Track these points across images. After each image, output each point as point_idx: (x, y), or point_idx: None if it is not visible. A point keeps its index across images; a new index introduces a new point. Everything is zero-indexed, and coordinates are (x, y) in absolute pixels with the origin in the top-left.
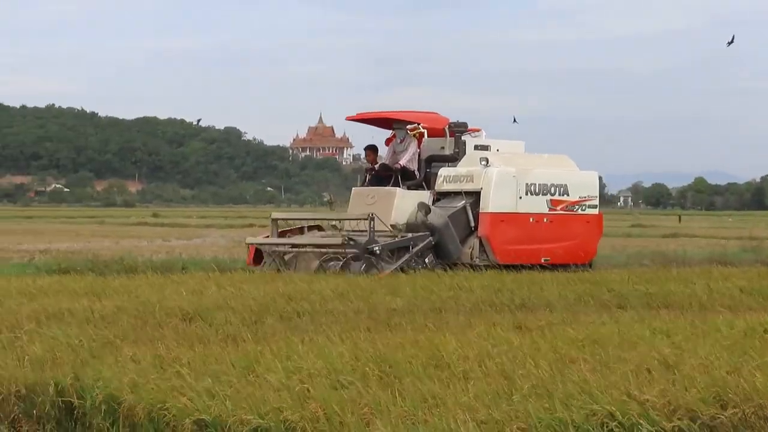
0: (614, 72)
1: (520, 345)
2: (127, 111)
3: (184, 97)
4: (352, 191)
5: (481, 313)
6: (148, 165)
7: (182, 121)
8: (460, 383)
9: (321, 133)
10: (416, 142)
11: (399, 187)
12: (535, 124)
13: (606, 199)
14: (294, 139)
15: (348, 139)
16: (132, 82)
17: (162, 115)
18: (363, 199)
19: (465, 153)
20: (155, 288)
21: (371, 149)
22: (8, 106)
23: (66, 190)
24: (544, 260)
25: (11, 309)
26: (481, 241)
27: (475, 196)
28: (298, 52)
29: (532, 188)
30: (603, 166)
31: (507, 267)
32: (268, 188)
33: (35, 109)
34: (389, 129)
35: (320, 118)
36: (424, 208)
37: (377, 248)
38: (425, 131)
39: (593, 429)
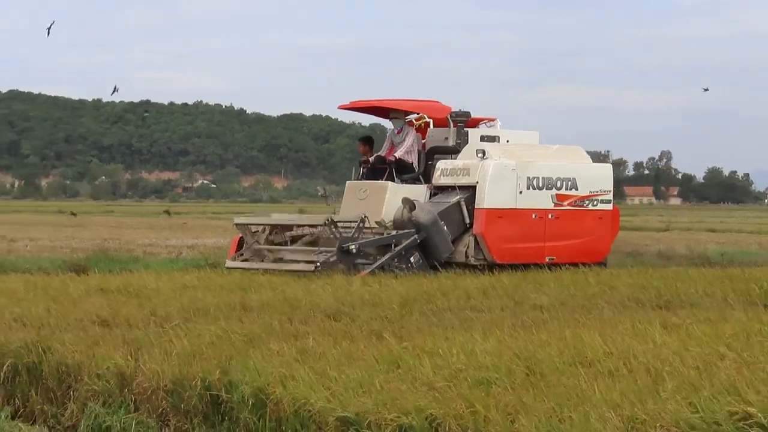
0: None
1: (665, 343)
2: (274, 107)
3: (330, 94)
4: (346, 185)
5: (626, 310)
6: (293, 161)
7: (327, 118)
8: (605, 381)
9: None
10: (414, 132)
11: (393, 180)
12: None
13: (754, 196)
14: None
15: None
16: (279, 78)
17: (307, 112)
18: (355, 193)
19: (467, 144)
20: (301, 284)
21: (365, 141)
22: (157, 103)
23: (213, 186)
24: (549, 259)
25: (159, 304)
26: (476, 239)
27: (471, 190)
28: (445, 47)
29: (535, 182)
30: (753, 162)
31: (511, 267)
32: None
33: (184, 105)
34: (387, 118)
35: None
36: (408, 203)
37: (353, 247)
38: (431, 121)
39: (738, 430)
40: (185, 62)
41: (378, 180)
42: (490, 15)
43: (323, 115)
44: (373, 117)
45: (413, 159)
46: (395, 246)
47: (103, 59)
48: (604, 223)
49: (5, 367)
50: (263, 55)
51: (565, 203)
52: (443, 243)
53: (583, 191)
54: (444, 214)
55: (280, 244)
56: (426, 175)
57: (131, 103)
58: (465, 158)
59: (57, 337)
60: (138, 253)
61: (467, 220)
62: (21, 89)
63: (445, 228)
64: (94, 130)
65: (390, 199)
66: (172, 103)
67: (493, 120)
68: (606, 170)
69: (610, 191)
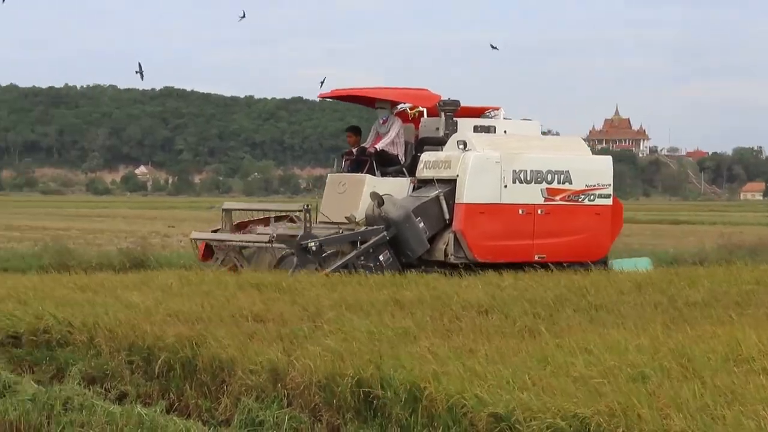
0: None
1: None
2: None
3: (488, 87)
4: (327, 178)
5: None
6: None
7: None
8: (760, 379)
9: (617, 125)
10: (400, 122)
11: (374, 173)
12: None
13: None
14: (590, 131)
15: (645, 131)
16: (433, 73)
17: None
18: (335, 187)
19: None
20: (452, 280)
21: (353, 131)
22: (307, 100)
23: None
24: (539, 257)
25: (312, 299)
26: (456, 236)
27: (452, 184)
28: (599, 43)
29: (522, 175)
30: None
31: (497, 266)
32: None
33: (335, 102)
34: (372, 107)
35: (616, 109)
36: (376, 198)
37: (312, 244)
38: (424, 110)
39: None
40: (338, 58)
41: (360, 173)
42: (644, 10)
43: None
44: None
45: (398, 151)
46: (361, 243)
47: (256, 56)
48: (603, 220)
49: (160, 361)
50: (415, 50)
51: (557, 198)
52: (416, 240)
53: (577, 185)
54: (421, 209)
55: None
56: (413, 168)
57: (283, 99)
58: (449, 150)
59: (211, 332)
60: None
61: (447, 216)
62: (175, 86)
63: (422, 224)
64: (246, 126)
65: (368, 193)
66: (323, 100)
67: (496, 109)
68: (605, 163)
69: (609, 185)
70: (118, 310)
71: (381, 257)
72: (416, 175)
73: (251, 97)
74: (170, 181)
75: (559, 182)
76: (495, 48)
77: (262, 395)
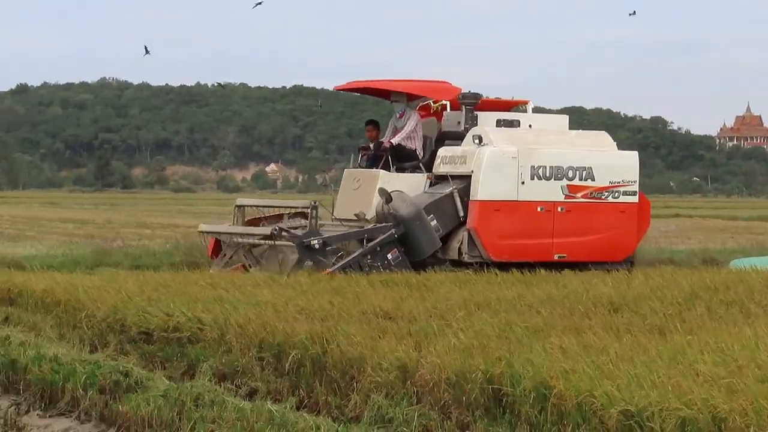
0: None
1: None
2: (555, 101)
3: (611, 87)
4: (344, 173)
5: None
6: None
7: (608, 111)
8: None
9: (748, 122)
10: (417, 116)
11: (389, 168)
12: None
13: None
14: (721, 129)
15: None
16: (560, 71)
17: (588, 105)
18: (350, 183)
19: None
20: (582, 277)
21: (372, 124)
22: None
23: None
24: (559, 257)
25: (442, 296)
26: (470, 235)
27: (467, 180)
28: (731, 39)
29: (541, 171)
30: None
31: (514, 265)
32: (694, 178)
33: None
34: (389, 99)
35: (748, 107)
36: (384, 195)
37: (316, 242)
38: (447, 104)
39: None
40: (466, 57)
41: (377, 168)
42: None
43: (604, 108)
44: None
45: (416, 145)
46: (368, 241)
47: (382, 54)
48: (628, 218)
49: (291, 358)
50: (545, 48)
51: (579, 195)
52: (427, 239)
53: (601, 182)
54: (433, 206)
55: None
56: (431, 163)
57: None
58: (466, 144)
59: (341, 329)
60: None
61: (461, 214)
62: (305, 84)
63: (435, 222)
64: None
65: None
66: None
67: (525, 102)
68: (631, 158)
69: (635, 182)
70: (249, 307)
71: (389, 256)
72: (433, 170)
73: None
74: (300, 178)
75: (580, 179)
76: (633, 13)
77: (392, 392)
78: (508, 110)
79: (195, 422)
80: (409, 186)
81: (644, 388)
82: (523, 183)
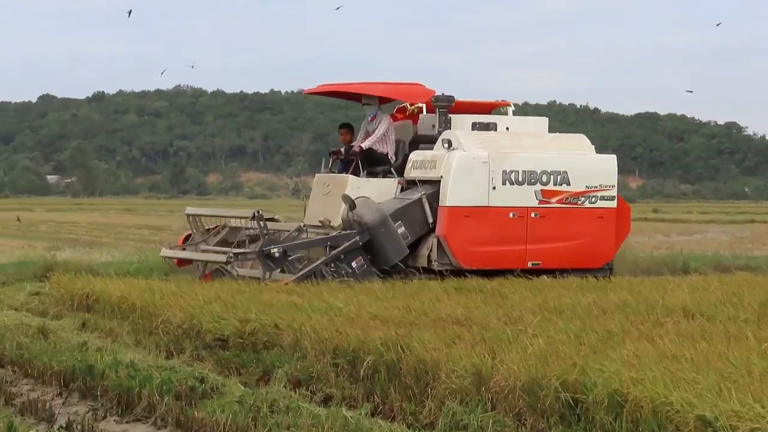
0: None
1: None
2: (628, 107)
3: (685, 92)
4: (315, 178)
5: None
6: (648, 160)
7: (683, 117)
8: None
9: None
10: (389, 119)
11: (359, 173)
12: None
13: None
14: None
15: None
16: (633, 77)
17: (662, 111)
18: (321, 188)
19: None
20: (657, 284)
21: (346, 128)
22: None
23: None
24: (533, 264)
25: (516, 303)
26: (439, 242)
27: (438, 185)
28: None
29: (513, 176)
30: None
31: (483, 273)
32: None
33: (537, 105)
34: (358, 101)
35: None
36: (348, 201)
37: (275, 250)
38: (423, 107)
39: None
40: (537, 62)
41: (347, 173)
42: None
43: (678, 113)
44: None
45: (387, 149)
46: (331, 249)
47: (450, 59)
48: (606, 224)
49: (365, 364)
50: (617, 53)
51: (553, 200)
52: (394, 246)
53: (577, 186)
54: (401, 212)
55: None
56: (404, 168)
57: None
58: (437, 149)
59: (415, 335)
60: None
61: (431, 220)
62: None
63: (403, 228)
64: None
65: (351, 194)
66: (526, 103)
67: (507, 104)
68: (609, 162)
69: (613, 186)
70: (323, 313)
71: (354, 264)
72: (404, 175)
73: None
74: None
75: (555, 183)
76: (719, 25)
77: (466, 399)
78: (489, 112)
79: (270, 428)
80: (380, 191)
81: (718, 395)
82: (494, 188)
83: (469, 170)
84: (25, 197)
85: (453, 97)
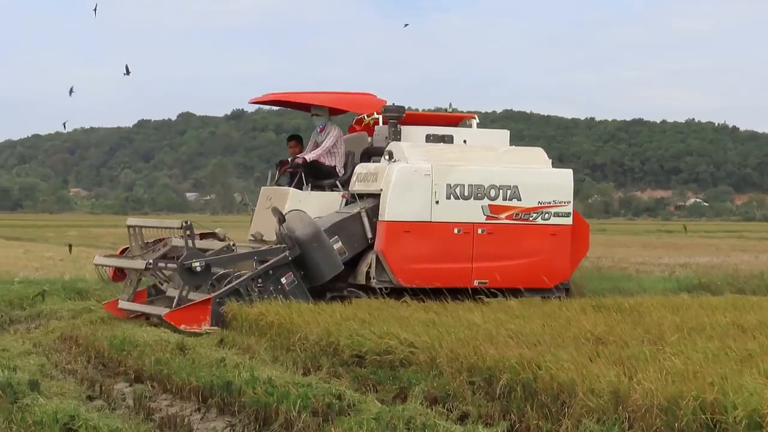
0: None
1: None
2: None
3: None
4: (261, 191)
5: None
6: None
7: None
8: None
9: None
10: (337, 130)
11: (302, 186)
12: None
13: None
14: None
15: None
16: None
17: None
18: (265, 202)
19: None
20: None
21: (295, 140)
22: (648, 121)
23: (705, 204)
24: (479, 283)
25: (655, 321)
26: (378, 258)
27: (378, 199)
28: None
29: (458, 190)
30: None
31: (426, 293)
32: None
33: (675, 123)
34: (308, 111)
35: None
36: (277, 214)
37: (197, 265)
38: (380, 118)
39: None
40: (677, 80)
41: (292, 185)
42: None
43: None
44: None
45: (335, 162)
46: (259, 264)
47: (592, 78)
48: (560, 242)
49: (502, 382)
50: (756, 71)
51: (502, 216)
52: (327, 262)
53: (528, 202)
54: (339, 227)
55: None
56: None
57: (623, 121)
58: (382, 161)
59: (551, 353)
60: (631, 272)
61: (370, 235)
62: (515, 109)
63: (340, 244)
64: (586, 148)
65: (291, 208)
66: (664, 121)
67: (472, 116)
68: (564, 177)
69: (569, 202)
70: (460, 331)
71: (284, 280)
72: (349, 188)
73: (592, 119)
74: None
75: (504, 198)
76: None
77: (603, 417)
78: (456, 124)
79: None
80: (323, 205)
81: None
82: (437, 202)
83: (409, 183)
84: (165, 214)
85: (403, 107)
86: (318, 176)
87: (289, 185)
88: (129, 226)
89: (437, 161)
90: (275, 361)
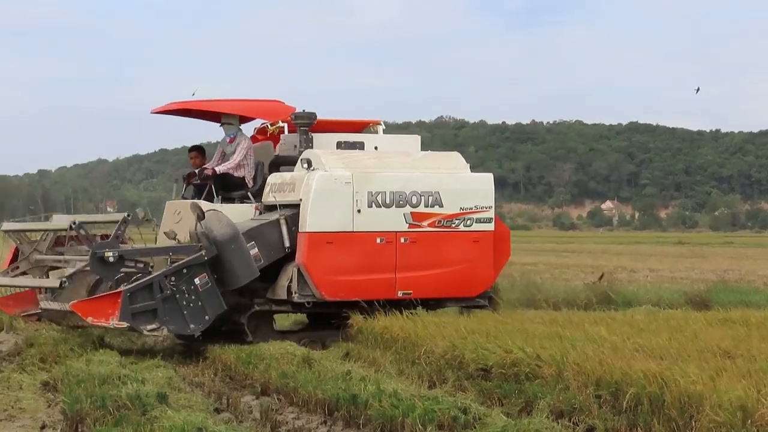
0: None
1: None
2: None
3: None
4: (166, 205)
5: None
6: None
7: None
8: None
9: None
10: (248, 141)
11: (214, 198)
12: None
13: None
14: None
15: None
16: None
17: None
18: (172, 216)
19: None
20: None
21: (197, 150)
22: None
23: None
24: (403, 294)
25: None
26: (299, 271)
27: (297, 209)
28: None
29: (380, 198)
30: None
31: (349, 305)
32: None
33: None
34: (217, 122)
35: None
36: (197, 210)
37: (111, 255)
38: (285, 126)
39: None
40: None
41: (200, 198)
42: None
43: None
44: None
45: (245, 173)
46: (172, 262)
47: (718, 90)
48: (483, 248)
49: (628, 396)
50: None
51: (425, 223)
52: (243, 266)
53: (450, 208)
54: (256, 232)
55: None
56: (262, 192)
57: (750, 133)
58: (297, 170)
59: (678, 367)
60: (758, 285)
61: (287, 244)
62: (640, 121)
63: (257, 250)
64: (712, 160)
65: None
66: None
67: (377, 123)
68: (485, 182)
69: (490, 207)
70: (586, 344)
71: (197, 280)
72: (263, 200)
73: (718, 131)
74: (636, 216)
75: (426, 205)
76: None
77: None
78: (361, 131)
79: None
80: (236, 218)
81: None
82: (359, 211)
83: (330, 192)
84: None
85: (314, 114)
86: (228, 188)
87: (194, 198)
88: (4, 231)
89: (356, 168)
90: (401, 374)
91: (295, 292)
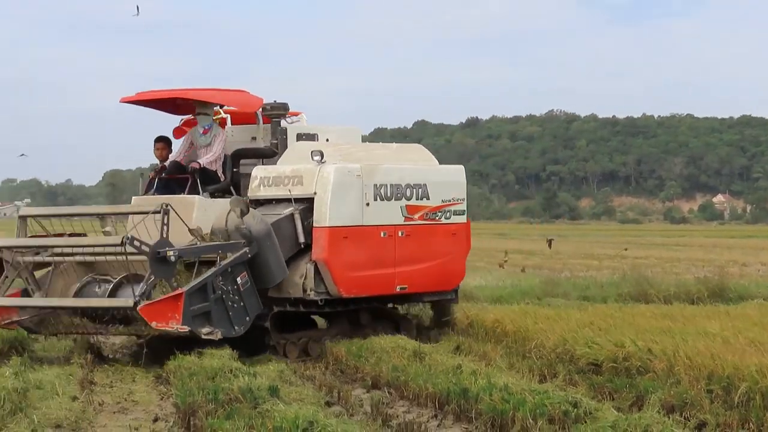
0: None
1: None
2: None
3: None
4: (132, 201)
5: None
6: None
7: None
8: None
9: None
10: (223, 133)
11: (198, 193)
12: None
13: None
14: None
15: None
16: None
17: None
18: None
19: (286, 145)
20: None
21: (163, 142)
22: None
23: None
24: (400, 289)
25: None
26: (317, 267)
27: (306, 203)
28: None
29: (383, 191)
30: None
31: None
32: None
33: None
34: (187, 114)
35: None
36: (239, 205)
37: (171, 254)
38: (228, 117)
39: None
40: None
41: (176, 193)
42: None
43: None
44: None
45: (219, 167)
46: (221, 259)
47: None
48: (459, 241)
49: (740, 390)
50: None
51: (416, 216)
52: (277, 264)
53: (435, 201)
54: (276, 227)
55: None
56: (235, 186)
57: None
58: (292, 163)
59: None
60: None
61: (302, 239)
62: (753, 114)
63: (285, 245)
64: None
65: (199, 217)
66: None
67: (297, 114)
68: (458, 174)
69: (463, 200)
70: (698, 339)
71: (239, 280)
72: (249, 194)
73: None
74: (748, 209)
75: (417, 198)
76: None
77: None
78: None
79: None
80: (223, 213)
81: None
82: (368, 204)
83: (345, 185)
84: None
85: (287, 104)
86: (203, 181)
87: (163, 193)
88: (20, 217)
89: (359, 160)
90: (511, 368)
91: (311, 290)
